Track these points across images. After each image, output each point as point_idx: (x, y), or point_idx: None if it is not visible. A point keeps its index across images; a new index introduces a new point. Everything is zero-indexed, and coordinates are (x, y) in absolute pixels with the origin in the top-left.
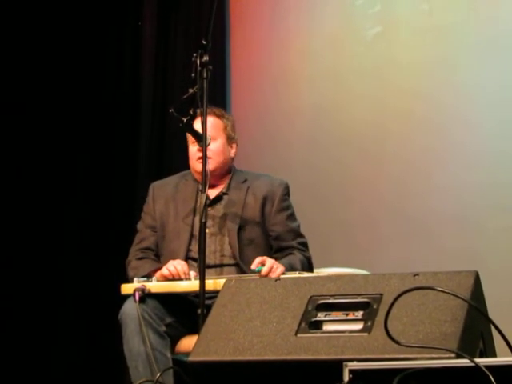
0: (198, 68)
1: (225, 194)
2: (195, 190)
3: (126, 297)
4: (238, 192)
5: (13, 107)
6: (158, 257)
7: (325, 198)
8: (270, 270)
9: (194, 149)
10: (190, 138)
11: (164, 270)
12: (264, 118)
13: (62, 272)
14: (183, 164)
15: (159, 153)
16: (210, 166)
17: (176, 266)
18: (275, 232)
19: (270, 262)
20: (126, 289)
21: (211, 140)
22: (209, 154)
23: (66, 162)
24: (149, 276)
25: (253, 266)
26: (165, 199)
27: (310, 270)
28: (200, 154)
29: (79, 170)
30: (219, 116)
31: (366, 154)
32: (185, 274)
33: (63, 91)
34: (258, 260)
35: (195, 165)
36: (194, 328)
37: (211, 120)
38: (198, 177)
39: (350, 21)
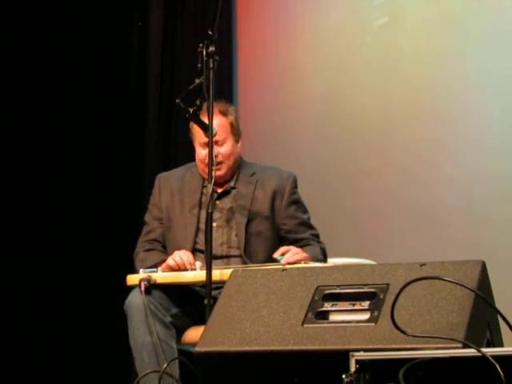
0: (205, 58)
1: (233, 188)
2: (201, 182)
3: (133, 288)
4: (246, 185)
5: (22, 103)
6: (166, 248)
7: (332, 188)
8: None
9: (203, 152)
10: (197, 139)
11: (169, 261)
12: (271, 109)
13: (69, 263)
14: (190, 156)
15: (166, 144)
16: (222, 170)
17: (182, 256)
18: (287, 226)
19: (294, 249)
20: (132, 279)
21: (220, 144)
22: (220, 158)
23: (73, 155)
24: (155, 267)
25: (275, 255)
26: (170, 191)
27: (325, 261)
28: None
29: (86, 163)
30: (224, 113)
31: (373, 145)
32: (190, 264)
33: (69, 84)
34: (282, 249)
35: (204, 170)
36: (199, 319)
37: (217, 121)
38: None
39: (357, 11)
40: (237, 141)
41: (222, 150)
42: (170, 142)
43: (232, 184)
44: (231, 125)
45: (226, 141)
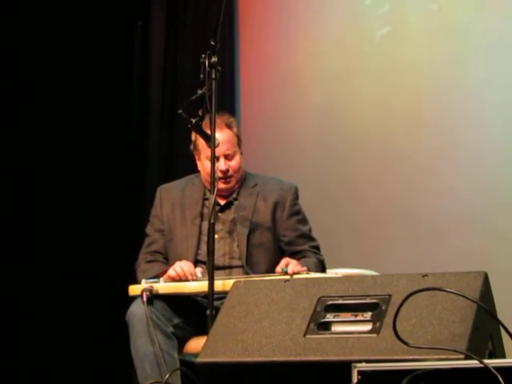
0: (207, 69)
1: (235, 199)
2: (202, 194)
3: (135, 298)
4: (248, 197)
5: (22, 107)
6: (168, 260)
7: (333, 198)
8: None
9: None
10: (204, 152)
11: (171, 272)
12: (272, 118)
13: (71, 274)
14: (191, 168)
15: (168, 155)
16: (231, 184)
17: (182, 267)
18: (287, 237)
19: (293, 262)
20: (134, 290)
21: (230, 158)
22: (230, 172)
23: (73, 164)
24: (157, 277)
25: (278, 269)
26: (171, 203)
27: (323, 272)
28: (223, 175)
29: (87, 173)
30: (229, 126)
31: (374, 155)
32: (191, 274)
33: (71, 92)
34: (283, 262)
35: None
36: (201, 329)
37: (225, 135)
38: (218, 192)
39: (359, 21)
40: (241, 152)
41: (232, 164)
42: (172, 154)
43: (234, 196)
44: (237, 137)
45: (236, 154)
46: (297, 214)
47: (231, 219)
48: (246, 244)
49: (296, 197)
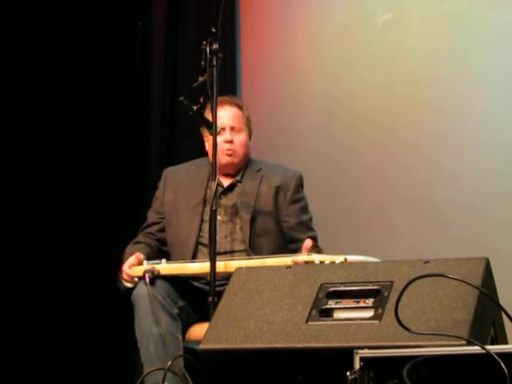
0: (208, 56)
1: (239, 181)
2: (207, 177)
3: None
4: (251, 181)
5: (26, 102)
6: (161, 242)
7: (336, 186)
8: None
9: (218, 140)
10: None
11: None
12: (274, 107)
13: (74, 260)
14: (193, 156)
15: (169, 145)
16: (236, 158)
17: (125, 270)
18: (288, 223)
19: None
20: (136, 271)
21: (236, 131)
22: (233, 146)
23: (73, 163)
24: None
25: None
26: (175, 187)
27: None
28: (227, 146)
29: (89, 163)
30: (241, 107)
31: (376, 143)
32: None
33: (73, 82)
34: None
35: (220, 157)
36: (204, 315)
37: (234, 111)
38: (222, 169)
39: (360, 8)
40: (249, 137)
41: (236, 139)
42: (174, 142)
43: (239, 177)
44: (248, 119)
45: (242, 131)
46: (299, 201)
47: (232, 204)
48: (249, 229)
49: (300, 184)
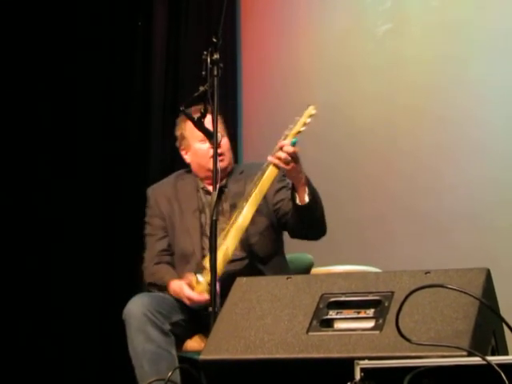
0: (209, 66)
1: (224, 187)
2: (195, 188)
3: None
4: (236, 184)
5: (27, 104)
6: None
7: (335, 195)
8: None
9: (204, 147)
10: (194, 137)
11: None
12: (275, 115)
13: (73, 272)
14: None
15: (170, 155)
16: (225, 162)
17: (193, 297)
18: (282, 210)
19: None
20: (200, 289)
21: (220, 136)
22: (222, 150)
23: (73, 163)
24: (162, 289)
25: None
26: (167, 198)
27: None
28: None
29: (88, 172)
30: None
31: (376, 151)
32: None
33: (73, 83)
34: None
35: (208, 163)
36: (201, 328)
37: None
38: (210, 175)
39: (361, 17)
40: (229, 140)
41: (222, 143)
42: (175, 152)
43: (224, 183)
44: (225, 124)
45: (225, 135)
46: (286, 186)
47: (224, 210)
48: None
49: (283, 173)
